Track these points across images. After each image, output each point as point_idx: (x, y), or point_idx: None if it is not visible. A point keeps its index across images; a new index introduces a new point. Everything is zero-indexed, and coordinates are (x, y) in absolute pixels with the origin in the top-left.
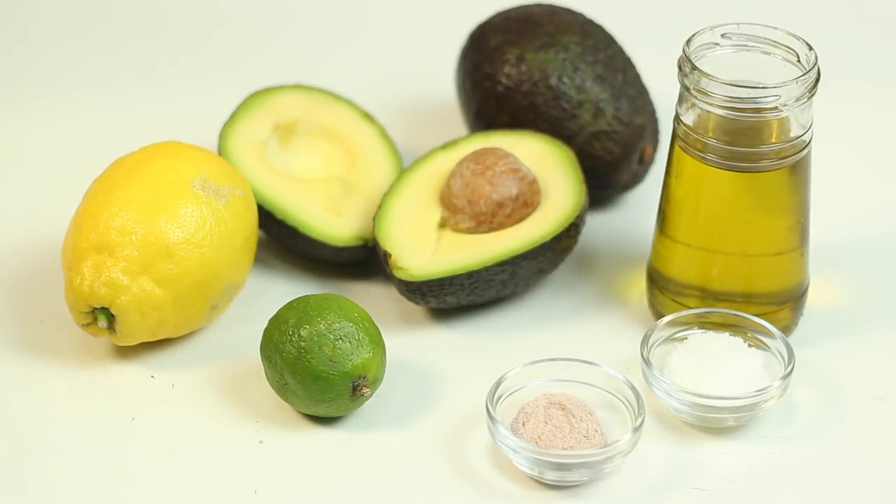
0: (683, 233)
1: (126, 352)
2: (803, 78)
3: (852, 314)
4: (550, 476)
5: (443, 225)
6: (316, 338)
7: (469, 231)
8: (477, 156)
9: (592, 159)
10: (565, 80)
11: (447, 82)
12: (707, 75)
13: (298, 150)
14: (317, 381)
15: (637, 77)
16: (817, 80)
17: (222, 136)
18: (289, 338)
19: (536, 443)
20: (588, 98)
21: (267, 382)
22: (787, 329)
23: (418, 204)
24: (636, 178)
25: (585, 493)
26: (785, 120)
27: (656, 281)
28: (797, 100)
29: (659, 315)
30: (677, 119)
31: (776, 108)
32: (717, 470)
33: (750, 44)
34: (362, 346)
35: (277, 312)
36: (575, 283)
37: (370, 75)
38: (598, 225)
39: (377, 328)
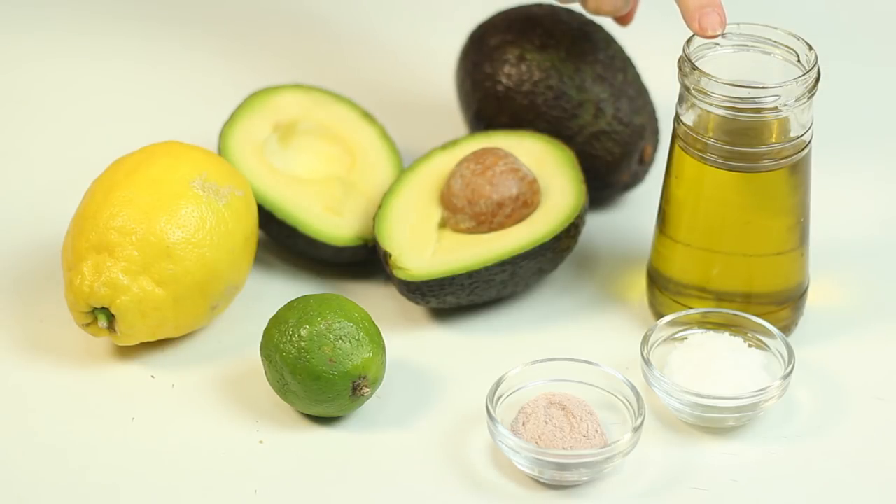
0: (683, 233)
1: (126, 352)
2: (803, 78)
3: (852, 314)
4: (550, 476)
5: (443, 225)
6: (316, 338)
7: (469, 231)
8: (477, 156)
9: (592, 159)
10: (565, 79)
11: (447, 82)
12: (707, 75)
13: (298, 150)
14: (317, 381)
15: (637, 77)
16: (817, 80)
17: (222, 136)
18: (289, 338)
19: (536, 443)
20: (588, 98)
21: (267, 382)
22: (787, 329)
23: (418, 204)
24: (636, 178)
25: (585, 493)
26: (785, 120)
27: (656, 281)
28: (797, 100)
29: (659, 315)
30: (677, 119)
31: (776, 108)
32: (717, 470)
33: (750, 44)
34: (362, 346)
35: (277, 312)
36: (575, 283)
37: (370, 75)
38: (598, 225)
39: (377, 328)
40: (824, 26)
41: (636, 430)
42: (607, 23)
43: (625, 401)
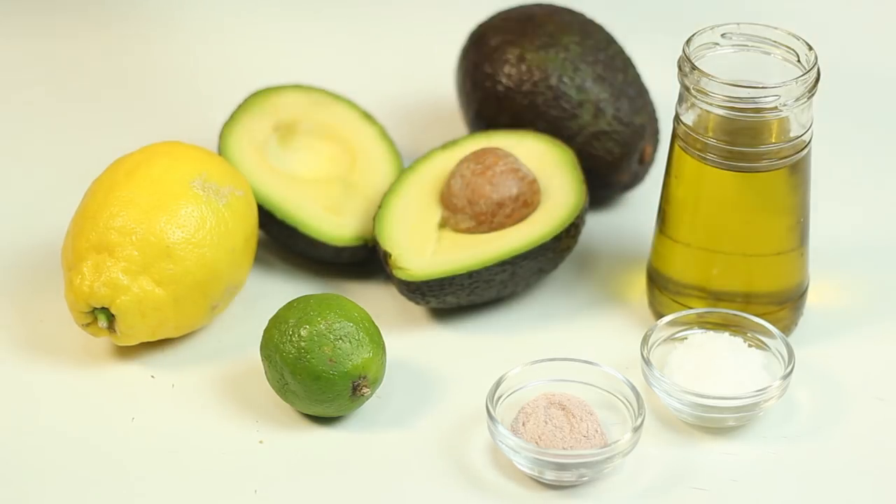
0: (683, 233)
1: (126, 352)
2: (803, 78)
3: (852, 314)
4: (550, 476)
5: (443, 225)
6: (316, 338)
7: (469, 231)
8: (477, 156)
9: (592, 159)
10: (565, 80)
11: (447, 82)
12: (707, 75)
13: (298, 150)
14: (317, 381)
15: (637, 77)
16: (817, 80)
17: (222, 136)
18: (289, 338)
19: (536, 443)
20: (588, 98)
21: (267, 382)
22: (787, 329)
23: (418, 204)
24: (636, 178)
25: (585, 493)
26: (785, 120)
27: (656, 281)
28: (797, 100)
29: (659, 315)
30: (677, 119)
31: (776, 108)
32: (717, 470)
33: (750, 44)
34: (362, 346)
35: (277, 312)
36: (575, 283)
37: (370, 75)
38: (598, 225)
39: (377, 328)
40: (824, 26)
41: (636, 430)
42: (608, 23)
43: (625, 401)
